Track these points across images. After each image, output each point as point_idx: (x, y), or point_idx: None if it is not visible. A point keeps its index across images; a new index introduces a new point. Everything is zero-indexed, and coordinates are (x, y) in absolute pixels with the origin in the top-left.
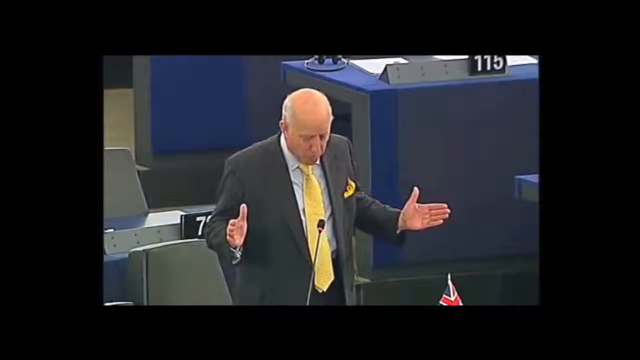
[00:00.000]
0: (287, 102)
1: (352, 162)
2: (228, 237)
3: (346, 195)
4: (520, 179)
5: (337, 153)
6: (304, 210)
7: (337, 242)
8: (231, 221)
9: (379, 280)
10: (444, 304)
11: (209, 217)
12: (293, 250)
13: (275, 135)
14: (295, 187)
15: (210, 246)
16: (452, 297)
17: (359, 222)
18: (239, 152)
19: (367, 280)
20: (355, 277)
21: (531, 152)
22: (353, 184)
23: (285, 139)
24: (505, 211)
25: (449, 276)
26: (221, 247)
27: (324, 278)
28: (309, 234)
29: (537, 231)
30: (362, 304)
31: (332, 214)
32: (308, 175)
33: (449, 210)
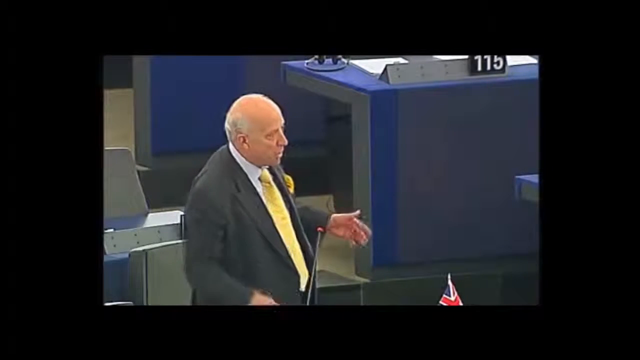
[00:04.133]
0: (237, 115)
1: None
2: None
3: (291, 190)
4: (520, 179)
5: None
6: (273, 219)
7: (301, 239)
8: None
9: (379, 280)
10: (444, 304)
11: (195, 257)
12: (279, 261)
13: (223, 154)
14: (262, 198)
15: (204, 292)
16: (452, 297)
17: None
18: (203, 183)
19: (367, 280)
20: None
21: (531, 152)
22: (290, 178)
23: (243, 152)
24: (505, 211)
25: (449, 276)
26: (229, 300)
27: (303, 278)
28: (284, 238)
29: (537, 231)
30: (362, 304)
31: (292, 213)
32: (269, 182)
33: (366, 239)
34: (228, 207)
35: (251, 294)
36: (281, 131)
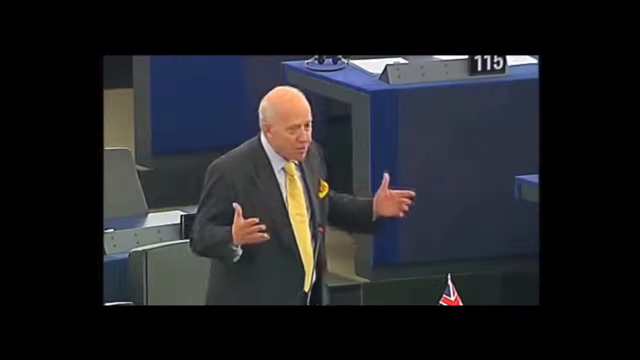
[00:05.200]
0: (263, 103)
1: (322, 164)
2: (255, 235)
3: (321, 195)
4: (520, 179)
5: (310, 156)
6: (289, 212)
7: (316, 243)
8: (244, 222)
9: (379, 280)
10: (444, 304)
11: (197, 225)
12: (285, 253)
13: (255, 139)
14: (281, 189)
15: (203, 250)
16: (452, 297)
17: (331, 219)
18: (223, 158)
19: (367, 280)
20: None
21: (531, 152)
22: (326, 185)
23: (269, 140)
24: (505, 211)
25: (449, 276)
26: (220, 247)
27: (308, 279)
28: (297, 234)
29: (537, 231)
30: (362, 304)
31: (312, 214)
32: (292, 176)
33: (409, 201)
34: (241, 186)
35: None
36: (304, 128)
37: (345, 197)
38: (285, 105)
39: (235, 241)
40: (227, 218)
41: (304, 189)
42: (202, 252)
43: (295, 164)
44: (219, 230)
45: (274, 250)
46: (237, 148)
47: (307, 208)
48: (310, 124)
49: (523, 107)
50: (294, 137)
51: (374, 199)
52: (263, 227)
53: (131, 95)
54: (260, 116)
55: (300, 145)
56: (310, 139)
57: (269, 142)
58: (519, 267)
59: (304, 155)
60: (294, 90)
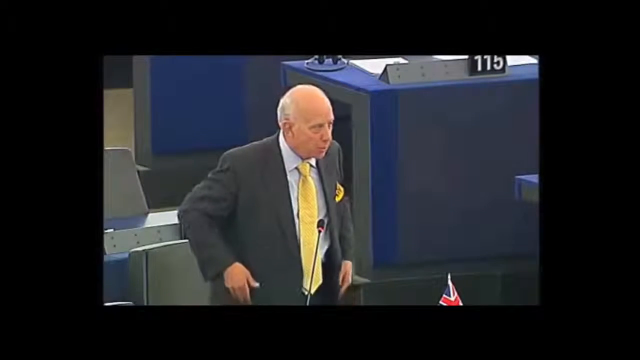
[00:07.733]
0: (287, 100)
1: (340, 168)
2: (239, 290)
3: (337, 199)
4: (520, 179)
5: (329, 157)
6: (298, 212)
7: (330, 246)
8: (240, 286)
9: (379, 280)
10: (444, 304)
11: (190, 198)
12: (285, 251)
13: (274, 136)
14: (290, 188)
15: (187, 237)
16: (452, 297)
17: None
18: (236, 149)
19: (367, 280)
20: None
21: (531, 152)
22: (342, 188)
23: (288, 138)
24: (505, 211)
25: (449, 276)
26: (205, 262)
27: (313, 281)
28: (301, 236)
29: (537, 231)
30: (362, 304)
31: (327, 216)
32: (305, 176)
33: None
34: (245, 179)
35: (229, 264)
36: (327, 127)
37: (345, 231)
38: (308, 104)
39: (225, 280)
40: (221, 205)
41: (318, 191)
42: (186, 237)
43: (311, 165)
44: (215, 247)
45: (275, 247)
46: (256, 142)
47: (320, 210)
48: (332, 122)
49: (523, 107)
50: (317, 135)
51: (345, 266)
52: (248, 299)
53: (131, 95)
54: (280, 113)
55: (324, 144)
56: (331, 139)
57: (286, 140)
58: (519, 267)
59: (324, 153)
60: (316, 89)
